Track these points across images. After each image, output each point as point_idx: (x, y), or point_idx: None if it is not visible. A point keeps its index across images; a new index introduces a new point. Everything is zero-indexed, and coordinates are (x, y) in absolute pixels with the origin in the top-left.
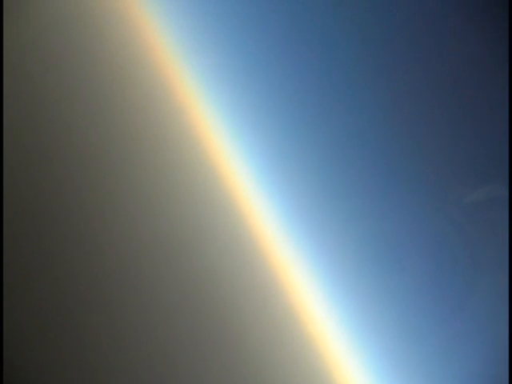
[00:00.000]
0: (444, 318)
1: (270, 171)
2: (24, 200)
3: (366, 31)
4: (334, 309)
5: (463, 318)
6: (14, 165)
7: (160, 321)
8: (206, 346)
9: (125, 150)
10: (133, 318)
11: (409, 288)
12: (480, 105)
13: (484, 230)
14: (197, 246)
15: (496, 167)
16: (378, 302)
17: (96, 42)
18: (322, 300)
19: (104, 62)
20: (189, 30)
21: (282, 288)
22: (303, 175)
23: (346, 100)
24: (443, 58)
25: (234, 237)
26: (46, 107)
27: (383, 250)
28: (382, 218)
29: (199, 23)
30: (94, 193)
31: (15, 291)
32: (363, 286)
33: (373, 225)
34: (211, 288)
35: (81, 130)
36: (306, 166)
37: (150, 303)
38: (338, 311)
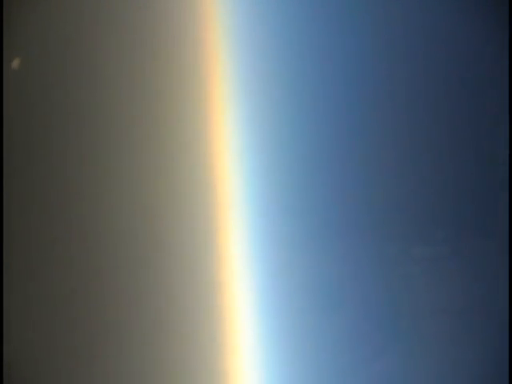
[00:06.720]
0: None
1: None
2: (24, 200)
3: (364, 32)
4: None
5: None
6: (16, 165)
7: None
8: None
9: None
10: (133, 319)
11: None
12: (480, 112)
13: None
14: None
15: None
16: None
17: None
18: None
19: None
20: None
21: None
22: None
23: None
24: (442, 58)
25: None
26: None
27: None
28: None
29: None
30: (94, 192)
31: (15, 291)
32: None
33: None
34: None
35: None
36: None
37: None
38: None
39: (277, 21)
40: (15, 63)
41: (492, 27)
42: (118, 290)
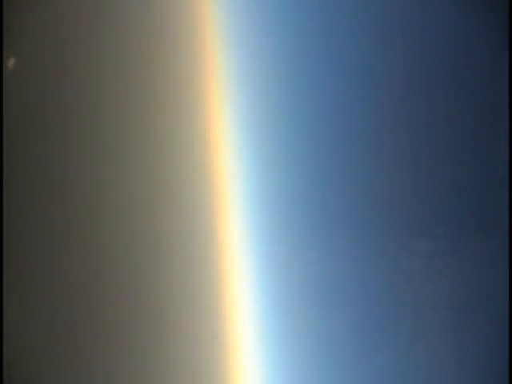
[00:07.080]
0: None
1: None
2: (24, 200)
3: (364, 31)
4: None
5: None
6: (15, 165)
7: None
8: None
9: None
10: (133, 319)
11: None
12: (479, 111)
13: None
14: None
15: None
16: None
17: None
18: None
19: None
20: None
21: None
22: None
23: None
24: (441, 58)
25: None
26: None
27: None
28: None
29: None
30: (94, 192)
31: (15, 291)
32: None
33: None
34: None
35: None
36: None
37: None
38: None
39: (274, 19)
40: (15, 63)
41: (492, 27)
42: (118, 290)
